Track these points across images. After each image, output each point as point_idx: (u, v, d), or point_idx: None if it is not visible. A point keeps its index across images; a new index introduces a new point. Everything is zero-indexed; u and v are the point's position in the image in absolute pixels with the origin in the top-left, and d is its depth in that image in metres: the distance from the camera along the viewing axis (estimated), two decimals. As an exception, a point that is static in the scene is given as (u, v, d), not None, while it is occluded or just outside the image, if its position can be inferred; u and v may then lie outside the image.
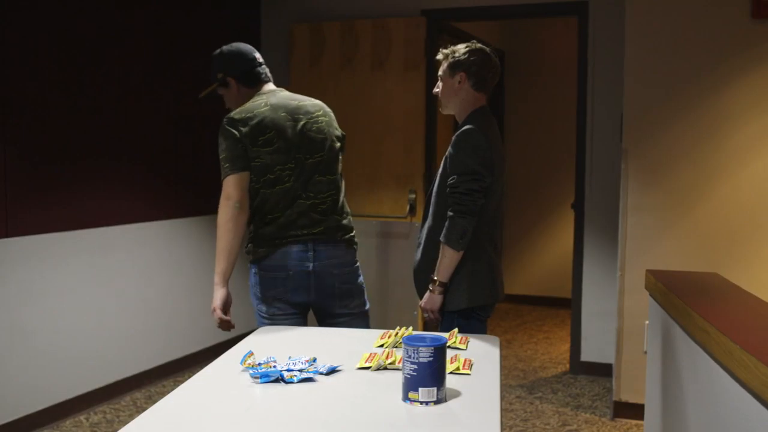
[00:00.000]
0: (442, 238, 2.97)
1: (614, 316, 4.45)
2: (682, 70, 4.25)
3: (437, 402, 1.96)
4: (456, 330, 2.65)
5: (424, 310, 3.08)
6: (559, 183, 7.30)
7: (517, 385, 5.01)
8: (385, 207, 5.59)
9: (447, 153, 3.08)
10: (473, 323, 3.03)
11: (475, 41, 3.20)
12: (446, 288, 3.02)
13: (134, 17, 4.72)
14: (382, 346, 2.52)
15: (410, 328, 2.66)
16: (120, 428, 1.89)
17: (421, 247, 3.15)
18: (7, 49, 3.88)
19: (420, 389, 1.94)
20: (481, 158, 2.98)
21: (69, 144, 4.27)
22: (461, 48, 3.12)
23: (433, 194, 3.11)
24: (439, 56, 3.16)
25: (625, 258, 4.34)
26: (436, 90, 3.19)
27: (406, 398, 1.97)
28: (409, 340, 1.96)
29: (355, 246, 3.21)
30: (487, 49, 3.15)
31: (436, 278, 3.01)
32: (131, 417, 4.27)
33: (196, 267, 5.34)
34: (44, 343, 4.14)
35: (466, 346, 2.54)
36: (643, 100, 4.32)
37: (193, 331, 5.32)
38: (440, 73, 3.15)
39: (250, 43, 3.20)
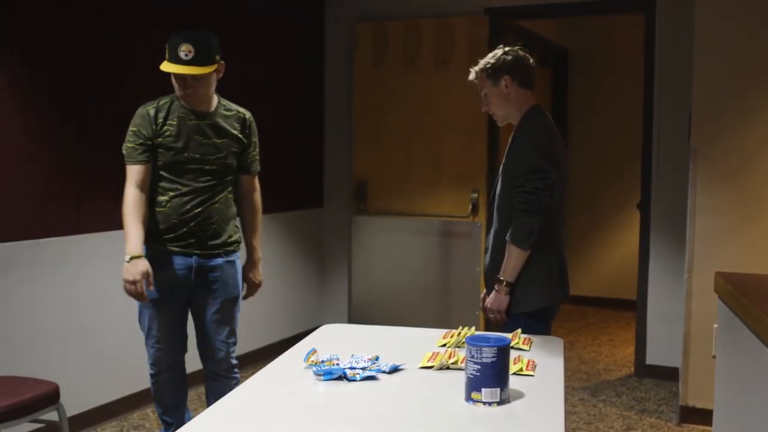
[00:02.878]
0: (508, 238, 2.94)
1: (681, 319, 4.35)
2: (754, 66, 4.14)
3: (500, 403, 1.94)
4: (519, 331, 2.63)
5: (489, 310, 3.03)
6: (624, 183, 7.17)
7: (581, 388, 4.95)
8: (447, 206, 5.57)
9: (507, 153, 3.05)
10: (539, 324, 2.98)
11: (501, 45, 3.14)
12: (512, 288, 2.98)
13: (200, 17, 4.79)
14: (444, 345, 2.51)
15: (473, 328, 2.65)
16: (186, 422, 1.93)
17: (489, 251, 3.11)
18: (79, 52, 3.98)
19: (483, 389, 1.93)
20: (544, 155, 2.95)
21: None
22: (493, 54, 3.07)
23: (497, 197, 3.08)
24: (472, 75, 3.09)
25: (693, 260, 4.25)
26: (485, 108, 3.12)
27: (468, 398, 1.96)
28: (473, 340, 1.96)
29: None
30: (517, 47, 3.11)
31: (502, 278, 2.96)
32: (197, 411, 4.33)
33: (264, 264, 5.39)
34: (113, 338, 4.23)
35: (530, 347, 2.52)
36: (712, 98, 4.22)
37: (256, 328, 5.38)
38: (483, 88, 3.07)
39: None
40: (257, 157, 3.44)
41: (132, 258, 3.06)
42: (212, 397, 3.34)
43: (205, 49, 3.08)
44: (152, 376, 3.35)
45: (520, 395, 2.02)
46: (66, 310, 3.91)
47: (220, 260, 3.28)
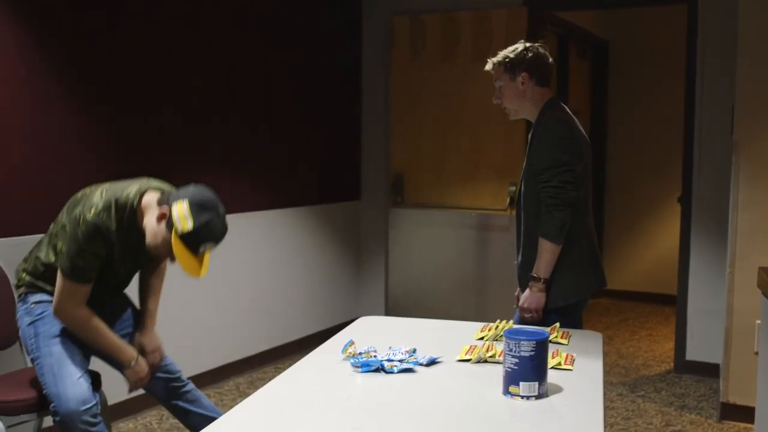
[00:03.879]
0: (541, 234, 2.88)
1: (722, 315, 4.29)
2: (800, 58, 4.05)
3: (538, 396, 1.94)
4: (557, 325, 2.62)
5: (526, 310, 2.92)
6: (665, 176, 7.08)
7: (619, 383, 4.91)
8: (484, 199, 5.55)
9: (528, 151, 3.01)
10: (569, 318, 2.93)
11: (522, 40, 3.10)
12: (549, 285, 2.92)
13: (236, 11, 4.82)
14: (482, 338, 2.51)
15: (510, 321, 2.64)
16: (225, 411, 1.95)
17: (521, 250, 3.06)
18: (115, 61, 4.03)
19: (521, 383, 1.93)
20: (567, 147, 2.92)
21: (177, 139, 4.40)
22: (513, 49, 3.03)
23: (522, 196, 3.04)
24: (489, 66, 3.06)
25: (735, 254, 4.18)
26: (497, 100, 3.08)
27: (506, 392, 1.96)
28: (511, 334, 1.95)
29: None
30: (537, 44, 3.07)
31: (538, 275, 2.90)
32: (234, 401, 4.38)
33: (298, 257, 5.43)
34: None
35: (568, 341, 2.50)
36: (756, 91, 4.14)
37: (294, 319, 5.42)
38: (498, 80, 3.04)
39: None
40: None
41: (135, 361, 2.94)
42: None
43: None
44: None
45: (558, 389, 2.02)
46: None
47: None
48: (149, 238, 2.77)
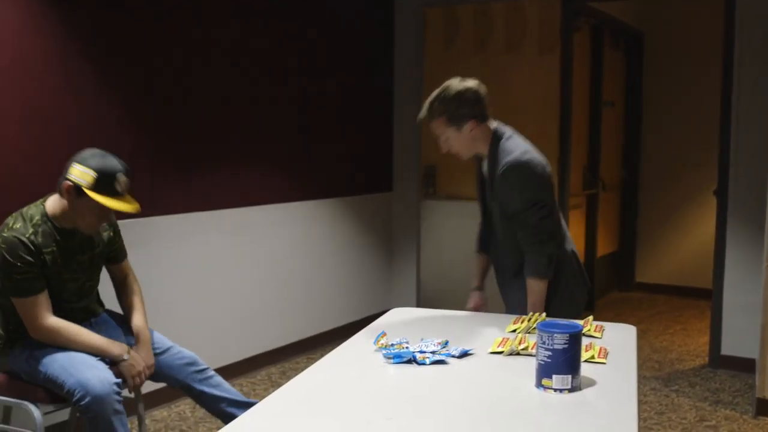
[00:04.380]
0: (530, 275, 2.83)
1: (758, 309, 4.23)
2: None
3: (571, 390, 1.93)
4: (591, 318, 2.60)
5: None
6: (700, 169, 6.99)
7: (652, 377, 4.86)
8: (517, 191, 5.52)
9: (493, 183, 2.92)
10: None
11: (447, 83, 2.99)
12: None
13: (274, 2, 4.84)
14: (514, 331, 2.50)
15: (543, 314, 2.63)
16: (257, 401, 1.96)
17: (498, 258, 3.08)
18: (149, 42, 4.06)
19: (554, 376, 1.92)
20: (538, 186, 2.84)
21: (209, 131, 4.43)
22: (448, 96, 2.92)
23: (495, 216, 3.01)
24: (424, 113, 2.95)
25: (772, 248, 4.12)
26: (446, 150, 2.98)
27: (539, 385, 1.95)
28: (544, 327, 1.94)
29: None
30: (468, 82, 2.97)
31: (532, 311, 2.81)
32: (267, 391, 4.42)
33: (330, 248, 5.45)
34: (184, 318, 4.33)
35: (602, 335, 2.49)
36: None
37: (325, 310, 5.44)
38: (443, 134, 2.93)
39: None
40: (123, 245, 3.26)
41: (127, 354, 2.96)
42: None
43: (130, 179, 2.91)
44: None
45: (591, 383, 2.00)
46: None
47: None
48: (74, 217, 2.83)
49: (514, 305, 2.99)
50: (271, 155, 4.89)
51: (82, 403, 2.74)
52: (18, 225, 2.80)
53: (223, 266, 4.58)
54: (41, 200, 2.91)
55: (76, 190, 2.77)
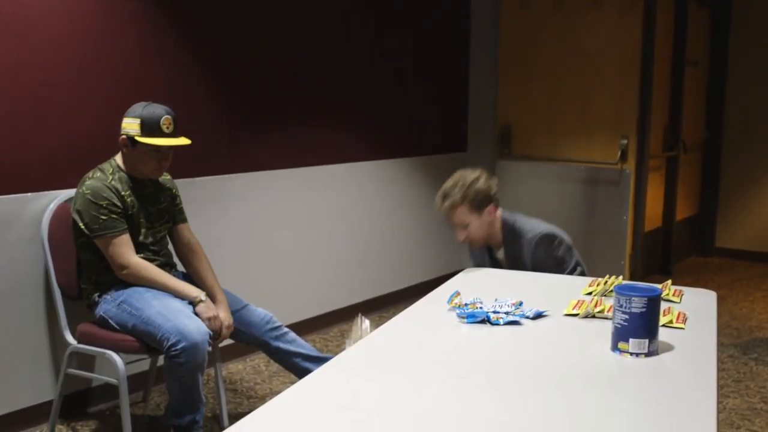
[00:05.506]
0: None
1: None
2: None
3: (648, 354, 1.90)
4: (669, 282, 2.55)
5: None
6: (787, 131, 6.73)
7: (730, 344, 4.75)
8: (594, 152, 5.41)
9: (527, 255, 3.12)
10: None
11: (459, 173, 3.12)
12: None
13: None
14: (590, 293, 2.47)
15: (620, 277, 2.59)
16: (332, 356, 1.99)
17: None
18: (237, 23, 4.10)
19: (631, 340, 1.89)
20: (571, 251, 3.15)
21: (284, 91, 4.46)
22: (467, 183, 3.05)
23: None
24: (446, 205, 3.06)
25: None
26: (464, 240, 3.12)
27: (615, 348, 1.93)
28: (622, 290, 1.91)
29: None
30: (477, 172, 3.12)
31: None
32: (339, 347, 4.48)
33: (405, 207, 5.45)
34: (260, 274, 4.41)
35: (680, 299, 2.44)
36: None
37: (397, 269, 5.46)
38: (464, 221, 3.06)
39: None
40: (183, 208, 3.38)
41: (204, 296, 3.09)
42: None
43: (176, 120, 3.08)
44: None
45: (669, 348, 1.97)
46: (215, 243, 4.10)
47: None
48: (137, 166, 3.06)
49: None
50: (345, 115, 4.90)
51: (176, 347, 2.83)
52: (98, 174, 3.05)
53: (297, 225, 4.64)
54: (112, 157, 3.14)
55: (130, 140, 3.00)
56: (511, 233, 3.14)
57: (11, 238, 3.22)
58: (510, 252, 3.15)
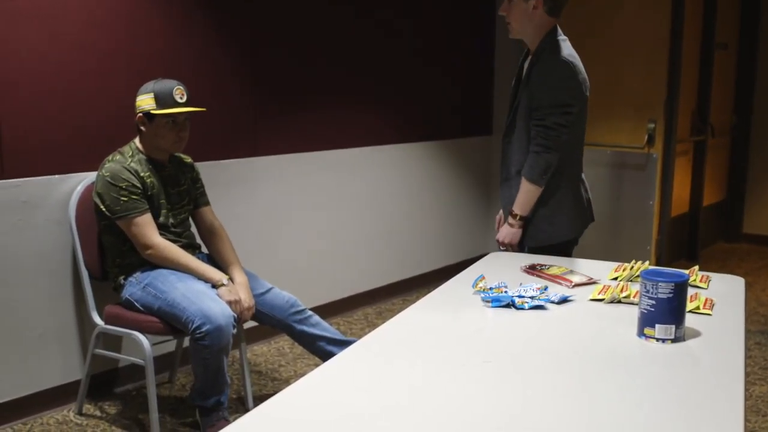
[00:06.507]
0: (524, 174, 2.93)
1: None
2: None
3: (675, 340, 1.88)
4: (696, 267, 2.52)
5: (501, 243, 3.08)
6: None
7: (757, 331, 4.71)
8: (621, 136, 5.36)
9: (525, 82, 2.97)
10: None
11: None
12: (526, 222, 3.01)
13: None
14: (616, 279, 2.46)
15: (646, 262, 2.57)
16: (356, 339, 1.99)
17: (507, 182, 3.11)
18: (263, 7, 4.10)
19: (657, 326, 1.88)
20: (568, 89, 2.91)
21: (311, 75, 4.45)
22: None
23: (512, 126, 3.05)
24: None
25: None
26: (502, 13, 3.00)
27: (641, 334, 1.92)
28: (649, 275, 1.90)
29: None
30: None
31: (516, 212, 2.99)
32: (363, 330, 4.50)
33: (428, 191, 5.44)
34: (284, 257, 4.43)
35: (707, 285, 2.42)
36: None
37: (422, 253, 5.46)
38: None
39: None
40: (205, 191, 3.41)
41: (228, 280, 3.12)
42: None
43: (187, 91, 3.13)
44: None
45: (696, 334, 1.95)
46: (240, 226, 4.12)
47: None
48: (156, 142, 3.11)
49: (505, 202, 3.13)
50: (370, 98, 4.89)
51: (201, 330, 2.86)
52: (117, 157, 3.09)
53: (322, 208, 4.64)
54: (131, 140, 3.18)
55: (146, 116, 3.06)
56: (545, 44, 2.95)
57: (40, 220, 3.26)
58: (533, 63, 2.99)
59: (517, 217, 3.00)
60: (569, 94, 2.92)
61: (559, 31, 3.01)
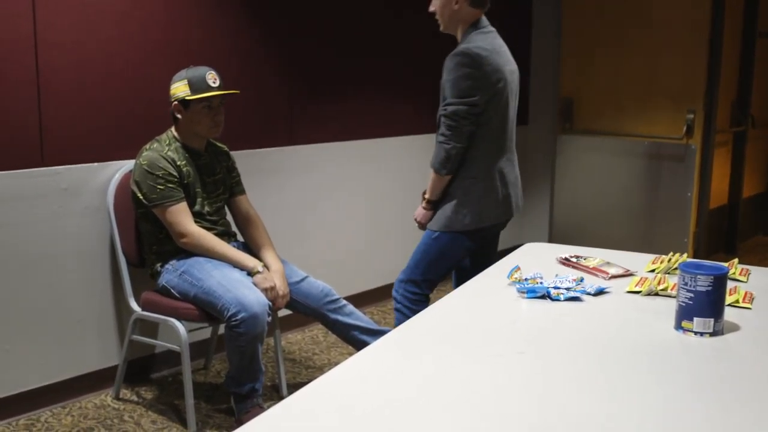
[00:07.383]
0: (430, 163, 3.10)
1: None
2: None
3: (713, 334, 1.86)
4: (736, 260, 2.49)
5: (415, 220, 3.28)
6: None
7: (797, 325, 4.63)
8: (659, 127, 5.30)
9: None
10: (474, 241, 3.19)
11: None
12: (434, 206, 3.18)
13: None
14: (653, 271, 2.43)
15: (684, 254, 2.54)
16: (390, 329, 2.00)
17: None
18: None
19: (695, 319, 1.85)
20: (470, 80, 2.96)
21: (347, 64, 4.46)
22: None
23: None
24: None
25: None
26: (432, 9, 3.10)
27: (678, 327, 1.89)
28: (687, 267, 1.87)
29: None
30: None
31: (426, 196, 3.19)
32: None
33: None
34: (319, 246, 4.45)
35: (747, 279, 2.38)
36: None
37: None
38: None
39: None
40: (240, 180, 3.44)
41: (262, 267, 3.15)
42: None
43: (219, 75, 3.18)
44: None
45: (735, 328, 1.93)
46: (275, 215, 4.14)
47: None
48: (193, 128, 3.14)
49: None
50: (405, 88, 4.88)
51: (236, 318, 2.88)
52: (154, 145, 3.13)
53: (357, 197, 4.65)
54: (168, 129, 3.22)
55: (182, 104, 3.09)
56: (463, 39, 3.09)
57: (79, 207, 3.30)
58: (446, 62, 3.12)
59: (425, 200, 3.21)
60: (472, 86, 2.98)
61: (484, 22, 3.10)
